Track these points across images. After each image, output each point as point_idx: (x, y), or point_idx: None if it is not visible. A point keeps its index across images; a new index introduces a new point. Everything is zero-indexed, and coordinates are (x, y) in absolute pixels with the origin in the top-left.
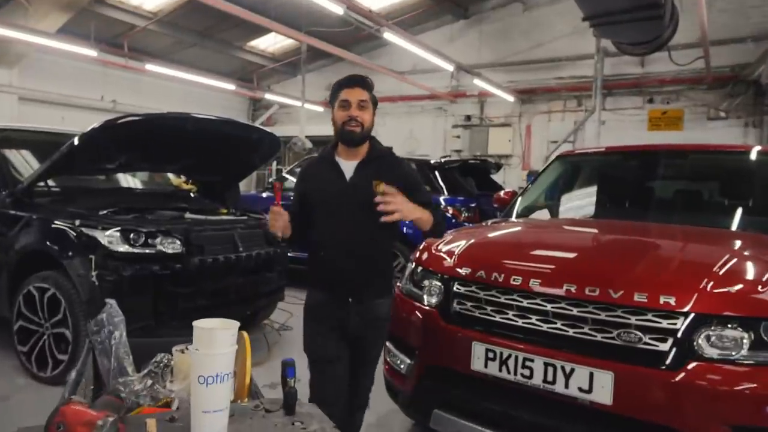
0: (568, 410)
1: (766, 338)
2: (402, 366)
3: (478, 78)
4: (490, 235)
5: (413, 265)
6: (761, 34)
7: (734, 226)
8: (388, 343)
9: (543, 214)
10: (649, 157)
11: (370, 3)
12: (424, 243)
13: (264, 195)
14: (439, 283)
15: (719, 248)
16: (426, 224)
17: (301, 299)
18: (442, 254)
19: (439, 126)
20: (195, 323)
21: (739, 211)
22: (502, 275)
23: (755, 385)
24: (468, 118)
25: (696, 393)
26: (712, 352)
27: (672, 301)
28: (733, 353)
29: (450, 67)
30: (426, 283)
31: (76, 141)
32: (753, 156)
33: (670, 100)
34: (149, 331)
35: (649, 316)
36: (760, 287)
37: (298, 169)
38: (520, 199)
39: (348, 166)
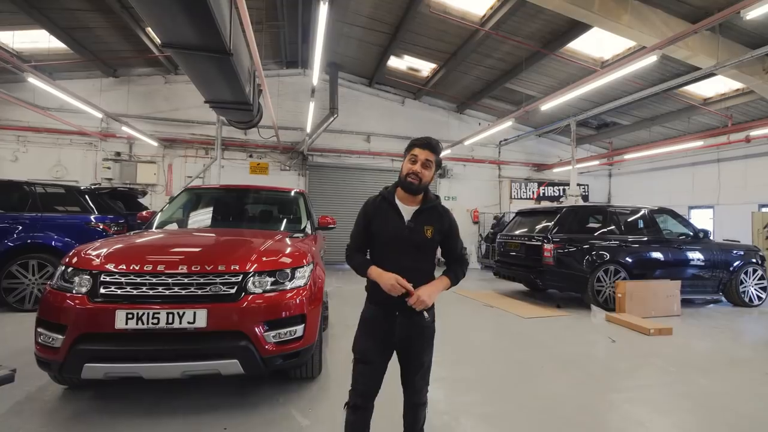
0: (181, 336)
1: (280, 280)
2: (53, 342)
3: (125, 126)
4: (128, 240)
5: (63, 267)
6: (302, 126)
7: (280, 228)
8: (39, 329)
9: (173, 226)
10: (241, 191)
11: (10, 39)
12: (73, 250)
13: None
14: (88, 277)
15: (265, 239)
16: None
17: None
18: (91, 257)
19: (89, 159)
20: None
21: (283, 221)
22: (138, 264)
23: (272, 301)
24: (118, 154)
25: (247, 310)
26: (254, 290)
27: (237, 267)
28: (260, 289)
29: (96, 114)
30: (76, 278)
31: None
32: (291, 194)
33: (262, 157)
34: None
35: (225, 277)
36: (275, 257)
37: None
38: (158, 216)
39: (406, 210)
